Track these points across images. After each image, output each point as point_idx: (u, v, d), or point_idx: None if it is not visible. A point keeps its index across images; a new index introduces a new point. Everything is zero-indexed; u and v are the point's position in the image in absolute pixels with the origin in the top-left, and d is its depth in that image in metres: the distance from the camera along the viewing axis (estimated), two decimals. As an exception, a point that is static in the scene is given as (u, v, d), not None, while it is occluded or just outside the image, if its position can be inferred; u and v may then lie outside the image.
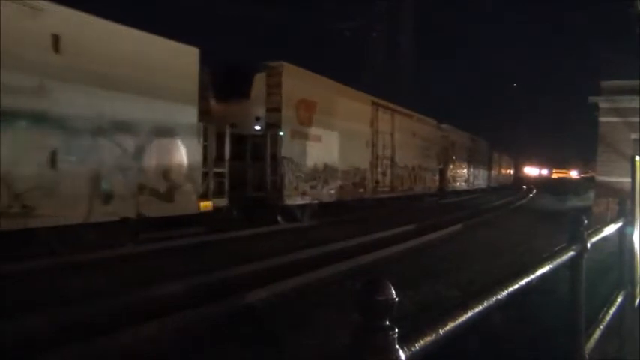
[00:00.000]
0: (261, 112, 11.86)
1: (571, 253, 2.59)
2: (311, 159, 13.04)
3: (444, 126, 27.81)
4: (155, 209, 8.26)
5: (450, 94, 78.79)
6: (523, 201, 30.13)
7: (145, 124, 8.13)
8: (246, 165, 11.64)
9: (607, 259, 5.82)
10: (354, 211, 15.85)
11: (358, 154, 15.85)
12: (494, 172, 47.70)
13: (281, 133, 11.75)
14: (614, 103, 18.23)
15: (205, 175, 9.46)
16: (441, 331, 1.24)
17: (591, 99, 19.05)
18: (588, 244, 2.85)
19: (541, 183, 61.88)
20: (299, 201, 12.36)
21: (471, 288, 6.72)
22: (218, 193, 9.89)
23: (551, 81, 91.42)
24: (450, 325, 1.28)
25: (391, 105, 18.55)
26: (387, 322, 1.07)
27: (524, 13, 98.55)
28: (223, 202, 10.09)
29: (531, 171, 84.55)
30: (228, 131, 10.13)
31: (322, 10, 72.25)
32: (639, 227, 4.67)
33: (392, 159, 18.66)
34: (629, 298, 4.40)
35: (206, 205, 9.36)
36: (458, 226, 13.32)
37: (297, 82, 12.28)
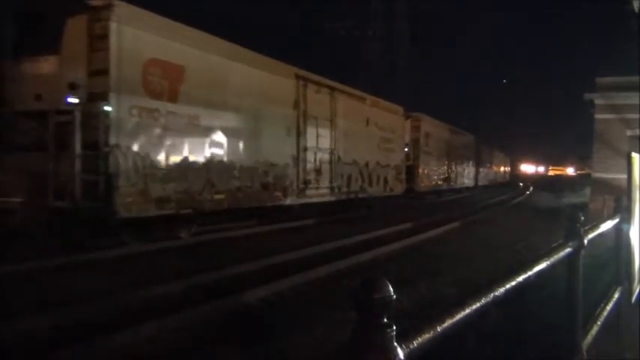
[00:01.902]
0: (79, 76, 8.00)
1: (568, 250, 2.66)
2: (177, 150, 9.15)
3: (414, 114, 23.90)
4: None
5: (445, 90, 79.16)
6: (520, 198, 30.53)
7: None
8: (48, 159, 7.89)
9: (604, 256, 5.80)
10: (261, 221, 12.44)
11: (271, 144, 11.91)
12: (483, 169, 44.39)
13: (108, 109, 7.87)
14: (609, 100, 18.32)
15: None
16: (439, 329, 1.27)
17: (587, 96, 19.12)
18: (585, 241, 2.91)
19: (538, 180, 62.84)
20: (152, 211, 8.47)
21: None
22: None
23: (547, 78, 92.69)
24: (448, 323, 1.31)
25: (330, 82, 14.80)
26: (385, 320, 1.10)
27: (521, 10, 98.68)
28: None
29: (528, 168, 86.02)
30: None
31: (317, 8, 71.48)
32: (636, 223, 4.71)
33: (332, 152, 14.84)
34: (626, 294, 4.46)
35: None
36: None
37: (143, 34, 8.44)
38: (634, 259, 4.73)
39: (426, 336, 1.22)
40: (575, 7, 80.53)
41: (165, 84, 8.86)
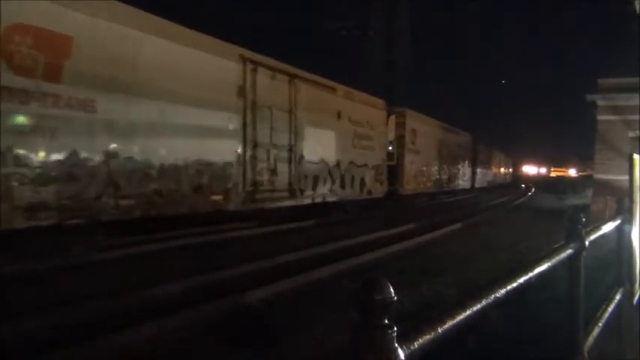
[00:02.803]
0: None
1: (569, 251, 2.69)
2: (61, 144, 7.21)
3: (398, 109, 21.69)
4: None
5: (446, 91, 78.39)
6: (521, 200, 30.53)
7: None
8: None
9: (605, 257, 5.72)
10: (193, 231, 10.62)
11: (206, 139, 10.00)
12: (481, 170, 41.71)
13: None
14: (611, 101, 18.44)
15: None
16: (439, 330, 1.28)
17: (589, 97, 19.18)
18: (586, 242, 2.95)
19: (539, 181, 62.97)
20: (18, 222, 6.61)
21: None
22: None
23: (549, 79, 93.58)
24: (449, 324, 1.33)
25: (289, 68, 12.84)
26: (386, 321, 1.12)
27: (523, 11, 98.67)
28: None
29: (530, 169, 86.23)
30: None
31: (318, 9, 71.62)
32: (637, 225, 4.77)
33: (292, 150, 12.80)
34: (628, 295, 4.51)
35: None
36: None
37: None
38: (635, 260, 4.79)
39: (427, 337, 1.24)
40: (577, 8, 79.51)
41: (41, 58, 6.95)
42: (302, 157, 13.31)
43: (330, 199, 14.98)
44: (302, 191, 13.29)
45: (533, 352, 4.47)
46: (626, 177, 5.03)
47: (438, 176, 27.54)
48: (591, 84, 19.62)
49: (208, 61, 10.03)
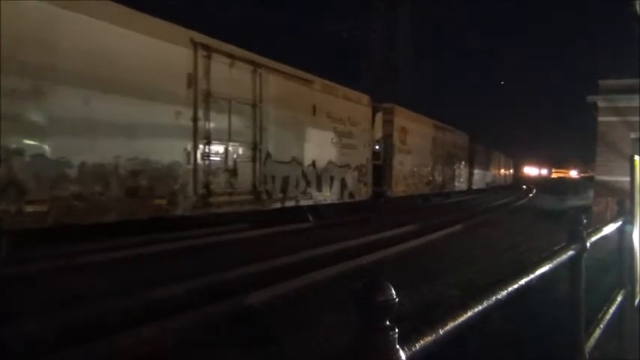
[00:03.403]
0: None
1: (571, 253, 2.72)
2: None
3: (386, 105, 20.21)
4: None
5: (448, 93, 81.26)
6: (523, 201, 30.73)
7: None
8: None
9: (607, 258, 5.82)
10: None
11: (145, 134, 8.64)
12: (479, 171, 39.89)
13: None
14: (612, 103, 18.49)
15: None
16: (441, 331, 1.29)
17: (590, 98, 19.26)
18: (588, 244, 2.99)
19: (541, 182, 63.66)
20: None
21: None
22: None
23: (550, 80, 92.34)
24: (450, 326, 1.34)
25: (253, 56, 11.55)
26: (387, 323, 1.12)
27: (524, 12, 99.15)
28: None
29: (531, 171, 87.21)
30: None
31: (320, 10, 73.10)
32: (639, 226, 4.77)
33: (256, 147, 11.49)
34: (629, 297, 4.53)
35: None
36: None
37: None
38: (637, 261, 4.80)
39: (428, 339, 1.24)
40: (578, 10, 79.72)
41: None
42: (269, 155, 12.07)
43: (304, 202, 13.75)
44: (269, 194, 12.05)
45: (534, 353, 4.50)
46: (628, 178, 5.05)
47: (431, 177, 26.04)
48: (592, 85, 19.75)
49: (150, 45, 8.81)
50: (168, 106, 9.16)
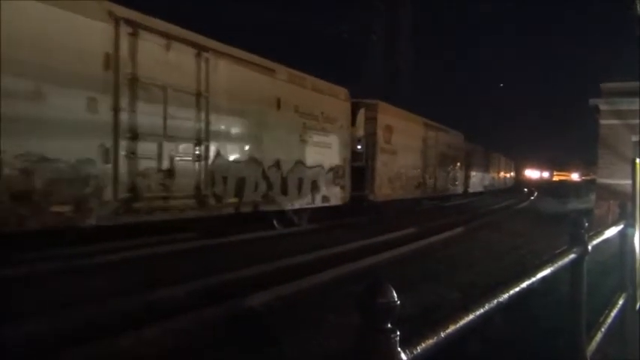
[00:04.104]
0: None
1: (572, 256, 2.74)
2: None
3: (368, 101, 18.57)
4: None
5: (449, 93, 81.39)
6: (525, 203, 31.41)
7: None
8: None
9: (608, 262, 5.77)
10: None
11: (46, 124, 7.16)
12: (476, 173, 37.81)
13: None
14: (614, 106, 18.61)
15: None
16: (442, 334, 1.30)
17: (591, 101, 19.32)
18: (589, 247, 3.01)
19: (542, 185, 63.38)
20: None
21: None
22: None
23: (552, 83, 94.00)
24: (452, 328, 1.35)
25: (199, 38, 10.07)
26: (389, 325, 1.13)
27: (525, 15, 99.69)
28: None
29: (532, 173, 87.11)
30: None
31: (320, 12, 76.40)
32: None
33: (201, 144, 9.97)
34: (631, 300, 4.56)
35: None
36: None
37: None
38: (639, 265, 4.82)
39: (430, 341, 1.25)
40: (580, 12, 79.85)
41: None
42: (219, 154, 10.54)
43: (266, 207, 12.20)
44: (219, 198, 10.49)
45: (535, 357, 4.51)
46: (630, 181, 5.16)
47: (421, 180, 24.21)
48: (594, 88, 19.87)
49: (52, 17, 7.30)
50: (77, 91, 7.61)
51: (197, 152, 9.88)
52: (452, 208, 24.84)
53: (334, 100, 15.46)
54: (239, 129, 11.22)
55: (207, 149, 10.10)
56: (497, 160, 49.46)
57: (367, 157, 18.04)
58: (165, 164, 9.12)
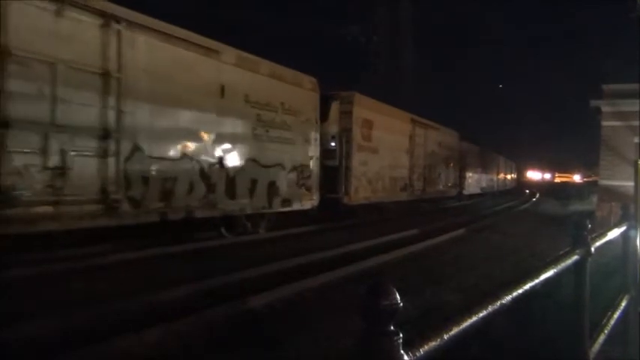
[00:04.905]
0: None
1: (575, 258, 2.77)
2: None
3: (343, 93, 16.79)
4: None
5: (450, 96, 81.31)
6: (526, 205, 31.85)
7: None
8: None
9: (611, 263, 5.80)
10: None
11: None
12: (472, 174, 35.82)
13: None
14: (616, 107, 18.80)
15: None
16: (445, 337, 1.31)
17: (593, 103, 19.62)
18: (592, 249, 3.05)
19: (544, 187, 64.04)
20: None
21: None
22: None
23: (553, 84, 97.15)
24: (455, 331, 1.36)
25: (106, 5, 8.25)
26: (392, 327, 1.14)
27: (527, 16, 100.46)
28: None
29: (534, 175, 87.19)
30: None
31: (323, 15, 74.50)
32: None
33: (111, 137, 8.16)
34: (634, 302, 4.57)
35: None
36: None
37: None
38: None
39: (432, 343, 1.25)
40: (581, 12, 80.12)
41: None
42: (137, 149, 8.73)
43: (205, 213, 10.37)
44: (135, 203, 8.67)
45: (538, 358, 4.54)
46: (632, 183, 5.48)
47: (407, 181, 22.17)
48: (596, 89, 20.09)
49: None
50: None
51: (103, 146, 8.06)
52: (448, 210, 24.05)
53: (298, 89, 13.64)
54: (167, 120, 9.37)
55: (118, 143, 8.28)
56: (497, 161, 47.69)
57: (342, 155, 16.21)
58: (54, 160, 7.30)
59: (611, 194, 17.27)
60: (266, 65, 12.37)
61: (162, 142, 9.32)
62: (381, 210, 19.36)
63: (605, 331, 3.75)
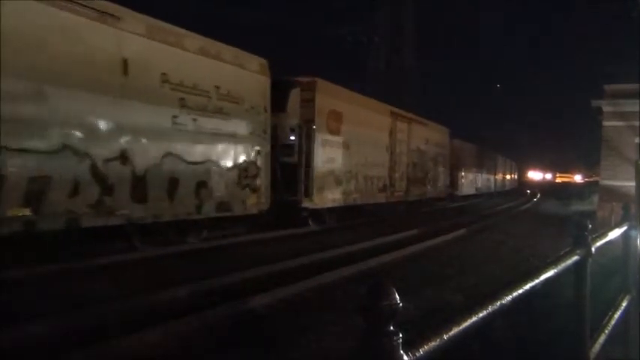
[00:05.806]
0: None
1: (575, 258, 2.79)
2: None
3: (304, 79, 14.49)
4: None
5: (452, 96, 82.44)
6: (527, 205, 32.10)
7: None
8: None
9: (611, 264, 5.87)
10: None
11: None
12: (465, 174, 33.85)
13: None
14: (617, 107, 19.00)
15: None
16: (445, 337, 1.32)
17: (594, 103, 19.84)
18: (593, 249, 3.07)
19: (545, 187, 64.29)
20: None
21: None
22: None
23: (554, 84, 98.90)
24: (455, 331, 1.37)
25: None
26: (391, 328, 1.15)
27: (528, 16, 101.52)
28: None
29: (535, 175, 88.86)
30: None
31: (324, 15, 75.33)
32: None
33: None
34: (634, 302, 4.63)
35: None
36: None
37: None
38: None
39: (433, 344, 1.26)
40: (583, 12, 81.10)
41: None
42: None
43: (96, 222, 8.29)
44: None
45: (538, 359, 4.61)
46: (633, 183, 5.41)
47: (387, 181, 19.84)
48: (597, 89, 20.40)
49: None
50: None
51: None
52: (441, 212, 23.44)
53: (241, 71, 11.46)
54: (39, 102, 7.34)
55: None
56: (495, 161, 45.87)
57: (302, 150, 14.09)
58: None
59: (612, 194, 17.44)
60: (193, 39, 10.30)
61: (30, 130, 7.28)
62: (358, 214, 17.25)
63: (606, 332, 3.78)
